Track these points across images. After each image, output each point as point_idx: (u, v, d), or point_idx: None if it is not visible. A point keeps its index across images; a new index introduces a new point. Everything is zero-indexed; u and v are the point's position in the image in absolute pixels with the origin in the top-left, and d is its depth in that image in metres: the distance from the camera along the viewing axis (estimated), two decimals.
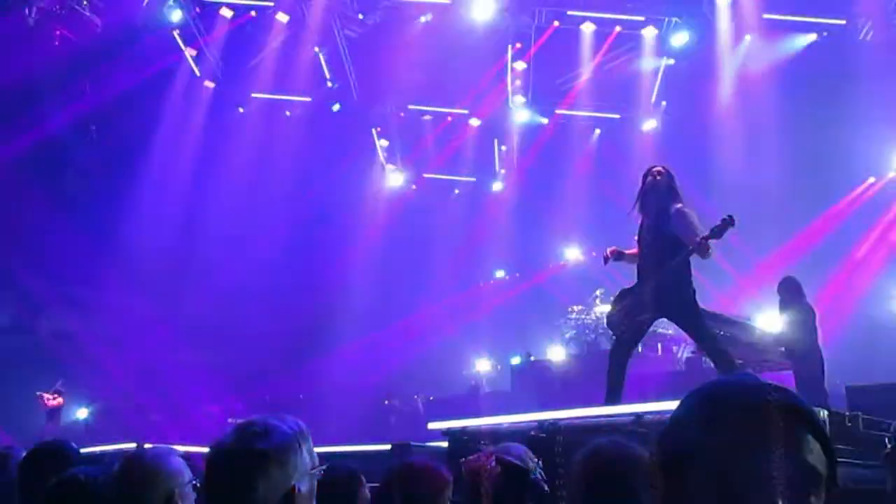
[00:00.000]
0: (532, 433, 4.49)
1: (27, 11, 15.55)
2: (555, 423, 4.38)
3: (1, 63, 15.41)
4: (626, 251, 5.70)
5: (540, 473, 2.67)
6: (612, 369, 5.30)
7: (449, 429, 5.30)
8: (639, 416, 4.09)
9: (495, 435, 4.59)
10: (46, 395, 15.78)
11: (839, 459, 1.01)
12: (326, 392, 16.99)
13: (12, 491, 2.58)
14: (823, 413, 3.54)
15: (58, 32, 16.46)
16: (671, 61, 17.16)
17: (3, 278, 17.67)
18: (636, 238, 5.55)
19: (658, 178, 5.38)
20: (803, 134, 14.51)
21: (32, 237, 17.20)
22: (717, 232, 5.00)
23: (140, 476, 2.06)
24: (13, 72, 15.48)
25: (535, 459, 2.74)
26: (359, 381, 17.35)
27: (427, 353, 18.51)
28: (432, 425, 5.79)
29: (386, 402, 17.48)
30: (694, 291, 5.30)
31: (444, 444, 5.48)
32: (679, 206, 5.22)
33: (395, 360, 18.04)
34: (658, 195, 5.33)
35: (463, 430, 5.12)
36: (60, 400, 15.95)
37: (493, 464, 2.46)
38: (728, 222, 4.98)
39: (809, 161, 14.40)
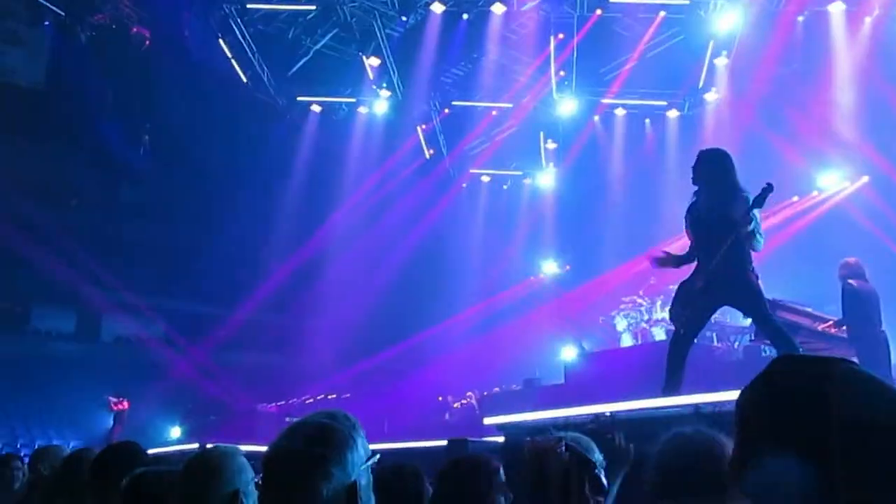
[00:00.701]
0: (589, 426, 4.43)
1: (79, 28, 16.02)
2: (612, 415, 4.33)
3: (54, 76, 15.94)
4: (673, 252, 5.56)
5: (602, 470, 2.64)
6: (671, 360, 5.20)
7: (504, 424, 5.28)
8: (698, 407, 4.02)
9: (551, 429, 4.55)
10: (113, 400, 16.26)
11: None
12: (378, 391, 17.12)
13: (82, 490, 2.66)
14: None
15: (109, 47, 16.92)
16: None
17: (68, 287, 18.26)
18: (686, 228, 5.39)
19: (718, 162, 5.24)
20: None
21: (91, 248, 17.72)
22: (759, 201, 4.90)
23: (204, 474, 2.09)
24: (66, 84, 16.01)
25: (600, 456, 2.71)
26: (409, 379, 17.44)
27: (481, 348, 18.48)
28: (488, 420, 5.77)
29: (440, 398, 17.51)
30: (757, 276, 5.18)
31: (500, 439, 5.45)
32: (745, 192, 5.08)
33: (449, 358, 18.07)
34: (721, 179, 5.18)
35: (518, 425, 5.10)
36: (126, 403, 16.41)
37: (563, 449, 2.43)
38: (767, 189, 4.87)
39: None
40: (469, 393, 17.38)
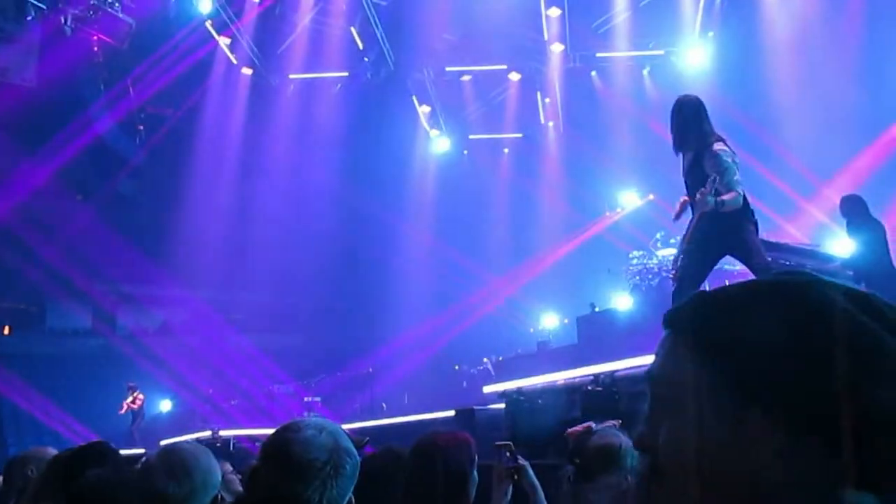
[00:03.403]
0: (589, 388, 4.33)
1: (63, 20, 15.82)
2: (611, 375, 4.22)
3: (45, 72, 15.80)
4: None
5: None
6: None
7: (505, 391, 5.20)
8: None
9: (551, 393, 4.46)
10: (127, 402, 16.40)
11: None
12: (396, 364, 17.14)
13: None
14: None
15: (95, 37, 16.73)
16: None
17: (80, 283, 18.32)
18: (683, 177, 5.22)
19: (689, 111, 5.03)
20: (856, 52, 13.71)
21: (100, 241, 17.73)
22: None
23: (162, 474, 2.02)
24: (58, 79, 15.86)
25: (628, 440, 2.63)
26: (427, 350, 17.44)
27: (494, 314, 18.44)
28: (487, 388, 5.70)
29: (456, 367, 17.52)
30: (754, 225, 4.99)
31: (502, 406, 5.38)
32: (717, 146, 4.87)
33: (462, 325, 18.05)
34: (694, 132, 4.98)
35: (519, 391, 5.01)
36: (140, 398, 16.53)
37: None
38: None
39: (868, 76, 13.57)
40: (485, 359, 17.38)
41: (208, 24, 17.40)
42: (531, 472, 2.31)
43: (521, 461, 2.31)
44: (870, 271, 6.94)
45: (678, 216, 5.17)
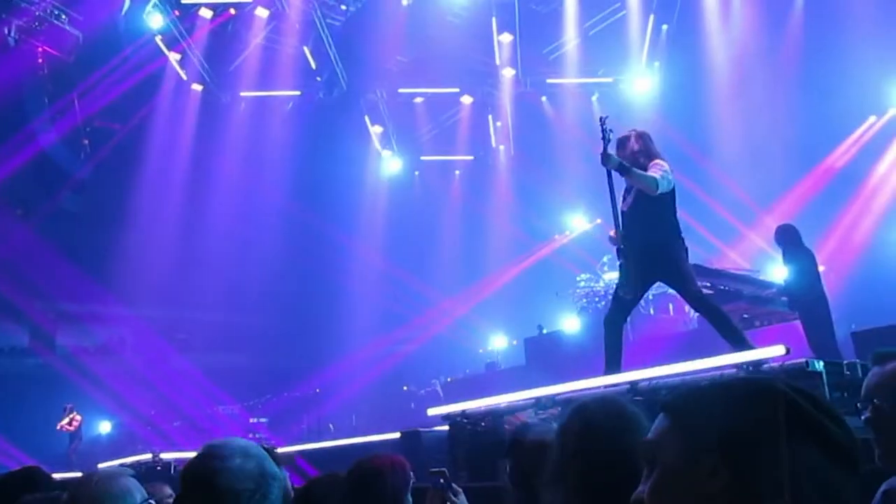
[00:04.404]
0: (534, 409, 4.40)
1: (6, 31, 15.47)
2: (551, 398, 4.29)
3: None
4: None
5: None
6: (607, 338, 5.16)
7: (449, 413, 5.23)
8: (634, 384, 4.00)
9: (494, 415, 4.51)
10: (63, 424, 15.93)
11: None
12: (344, 385, 17.01)
13: None
14: (817, 363, 3.43)
15: (40, 49, 16.39)
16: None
17: (18, 302, 17.78)
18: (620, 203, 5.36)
19: (611, 133, 5.21)
20: (794, 86, 14.28)
21: (39, 258, 17.25)
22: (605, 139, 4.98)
23: (87, 500, 2.00)
24: (5, 96, 15.48)
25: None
26: (376, 371, 17.35)
27: (442, 335, 18.45)
28: (432, 411, 5.72)
29: (405, 388, 17.47)
30: (686, 251, 5.16)
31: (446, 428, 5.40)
32: (655, 160, 5.07)
33: (411, 346, 18.02)
34: (633, 157, 5.15)
35: (462, 414, 5.04)
36: (77, 420, 16.06)
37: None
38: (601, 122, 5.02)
39: (805, 109, 14.11)
40: (434, 381, 17.38)
41: (158, 39, 17.21)
42: (464, 498, 2.33)
43: (456, 487, 2.34)
44: (802, 297, 7.26)
45: (615, 242, 5.31)
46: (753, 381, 1.07)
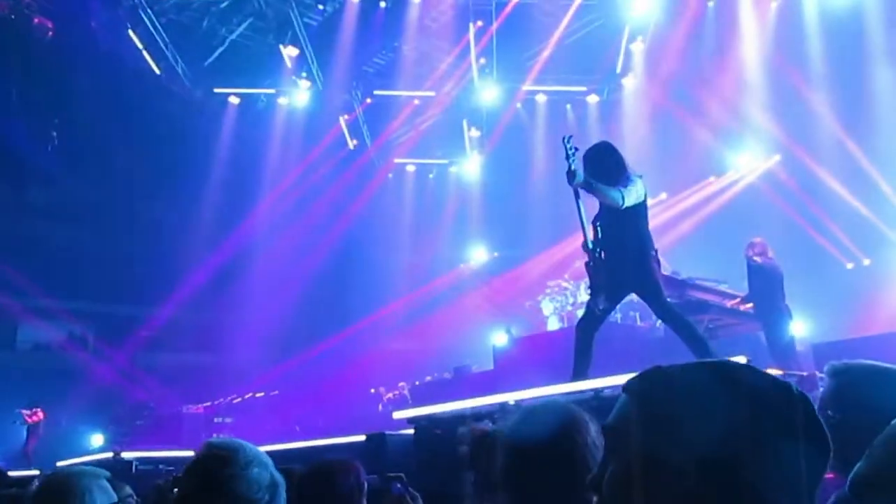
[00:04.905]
0: (496, 416, 4.42)
1: None
2: (517, 403, 4.32)
3: None
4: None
5: None
6: (577, 346, 5.21)
7: (414, 417, 5.23)
8: (598, 391, 4.04)
9: (459, 420, 4.52)
10: (25, 412, 15.62)
11: None
12: (311, 386, 16.91)
13: None
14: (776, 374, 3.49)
15: (9, 39, 16.10)
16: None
17: None
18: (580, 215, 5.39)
19: (588, 159, 5.26)
20: None
21: (5, 249, 16.93)
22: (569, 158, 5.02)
23: (51, 497, 1.99)
24: None
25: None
26: (343, 373, 17.27)
27: (412, 338, 18.42)
28: (398, 414, 5.72)
29: (373, 390, 17.41)
30: (658, 263, 5.22)
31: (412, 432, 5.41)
32: (624, 174, 5.13)
33: (380, 349, 17.96)
34: (604, 170, 5.19)
35: (427, 418, 5.05)
36: (40, 415, 15.77)
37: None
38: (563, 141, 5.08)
39: None
40: (401, 384, 17.34)
41: (130, 32, 16.99)
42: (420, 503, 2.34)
43: (413, 492, 2.34)
44: (765, 308, 7.40)
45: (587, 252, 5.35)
46: (727, 367, 0.97)
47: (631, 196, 4.98)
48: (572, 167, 4.98)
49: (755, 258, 7.64)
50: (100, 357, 18.87)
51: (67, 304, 18.50)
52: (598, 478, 0.98)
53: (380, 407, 16.98)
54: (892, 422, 1.24)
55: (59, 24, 16.36)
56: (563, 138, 5.19)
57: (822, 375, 2.16)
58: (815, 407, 0.95)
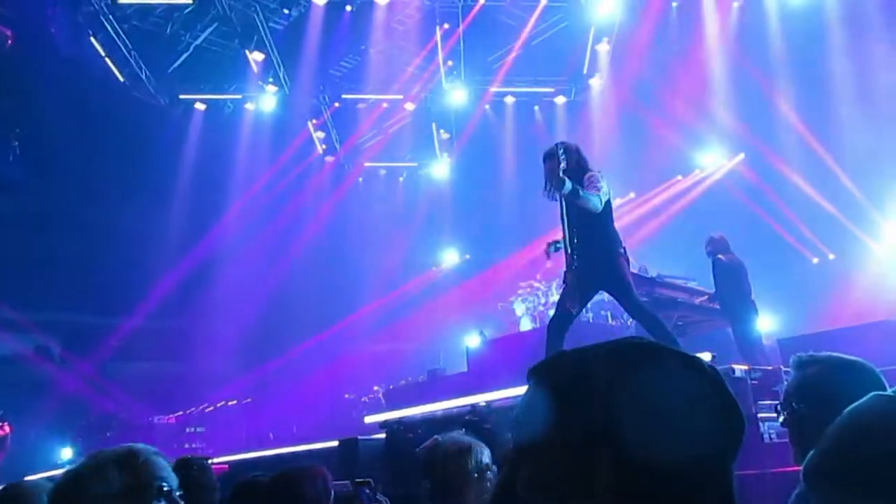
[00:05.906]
0: (466, 417, 4.42)
1: None
2: (488, 405, 4.32)
3: None
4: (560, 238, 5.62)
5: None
6: (549, 345, 5.25)
7: (385, 421, 5.21)
8: None
9: (430, 423, 4.51)
10: None
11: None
12: (284, 392, 16.80)
13: None
14: (741, 368, 3.55)
15: None
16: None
17: None
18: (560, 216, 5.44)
19: (564, 156, 5.28)
20: None
21: None
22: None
23: None
24: None
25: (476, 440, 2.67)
26: (316, 378, 17.17)
27: (385, 341, 18.37)
28: (369, 418, 5.70)
29: (347, 395, 17.33)
30: (627, 261, 5.27)
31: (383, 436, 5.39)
32: (589, 174, 5.18)
33: (353, 353, 17.89)
34: (569, 171, 5.23)
35: (399, 421, 5.04)
36: (6, 429, 15.45)
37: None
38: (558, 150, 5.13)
39: None
40: (376, 387, 17.27)
41: (93, 39, 16.74)
42: None
43: (381, 497, 2.34)
44: (731, 303, 7.49)
45: (549, 256, 5.40)
46: (643, 345, 0.94)
47: (603, 198, 5.04)
48: (562, 175, 5.00)
49: (718, 255, 7.73)
50: (67, 368, 18.53)
51: (32, 314, 18.15)
52: (510, 479, 0.97)
53: (354, 412, 16.93)
54: (844, 411, 1.25)
55: (18, 32, 16.04)
56: (557, 146, 5.22)
57: (788, 369, 2.20)
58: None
